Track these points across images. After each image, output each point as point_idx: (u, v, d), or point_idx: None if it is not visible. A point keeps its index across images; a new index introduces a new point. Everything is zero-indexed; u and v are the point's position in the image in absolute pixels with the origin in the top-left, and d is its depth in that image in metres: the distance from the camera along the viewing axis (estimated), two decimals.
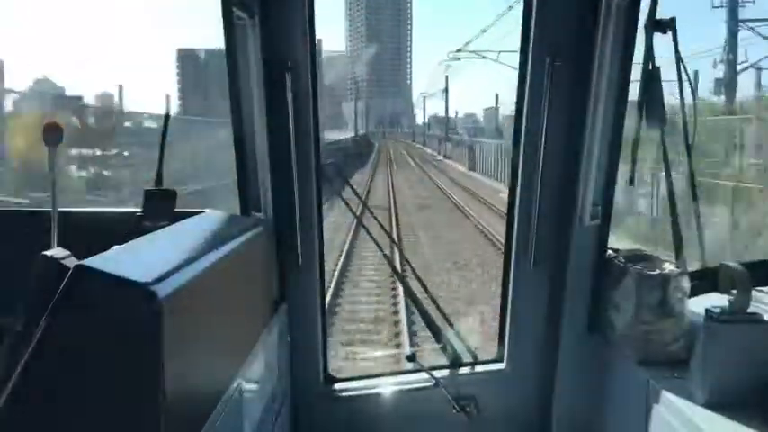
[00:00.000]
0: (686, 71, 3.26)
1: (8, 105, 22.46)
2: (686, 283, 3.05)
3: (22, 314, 1.81)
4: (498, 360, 3.77)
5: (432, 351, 3.87)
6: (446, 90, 76.33)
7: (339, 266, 16.30)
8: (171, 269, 1.76)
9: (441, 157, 65.78)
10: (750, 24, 28.22)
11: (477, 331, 10.42)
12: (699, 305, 2.90)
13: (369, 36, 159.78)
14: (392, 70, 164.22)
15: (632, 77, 3.28)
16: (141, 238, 2.20)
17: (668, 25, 3.16)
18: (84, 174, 22.17)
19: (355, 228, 18.87)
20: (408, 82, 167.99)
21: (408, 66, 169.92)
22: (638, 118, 3.31)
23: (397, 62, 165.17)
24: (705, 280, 3.23)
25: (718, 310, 2.69)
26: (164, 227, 2.58)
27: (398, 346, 12.05)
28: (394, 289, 14.23)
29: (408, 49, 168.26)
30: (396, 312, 13.05)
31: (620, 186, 3.47)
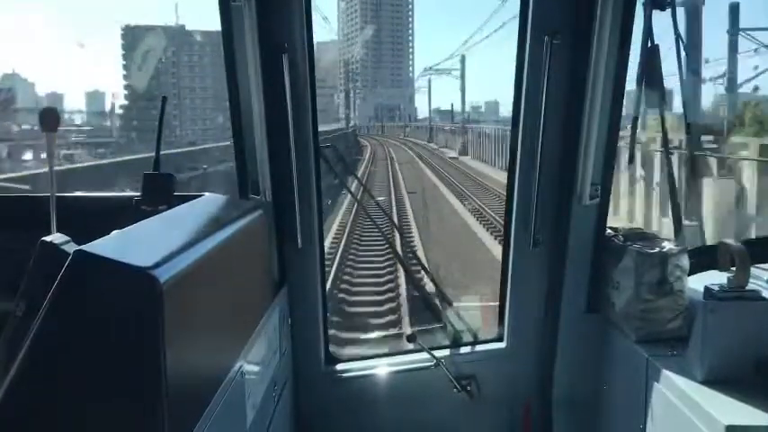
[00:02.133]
0: (686, 49, 3.25)
1: None
2: (685, 261, 3.06)
3: (21, 300, 1.81)
4: (498, 339, 3.78)
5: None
6: None
7: None
8: (171, 253, 1.76)
9: None
10: None
11: None
12: (698, 283, 2.91)
13: (363, 18, 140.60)
14: (393, 56, 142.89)
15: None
16: (141, 222, 2.20)
17: (667, 2, 3.14)
18: None
19: None
20: (410, 68, 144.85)
21: (410, 51, 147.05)
22: (637, 96, 3.30)
23: (398, 47, 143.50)
24: (704, 258, 3.24)
25: (717, 288, 2.70)
26: (163, 211, 2.57)
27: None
28: None
29: (410, 31, 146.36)
30: None
31: None
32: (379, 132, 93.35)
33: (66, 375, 1.55)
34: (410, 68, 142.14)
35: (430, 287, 4.60)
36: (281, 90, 3.22)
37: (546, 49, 3.24)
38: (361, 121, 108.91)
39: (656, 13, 3.20)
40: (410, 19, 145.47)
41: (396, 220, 20.51)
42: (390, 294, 14.11)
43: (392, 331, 11.58)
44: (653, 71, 3.23)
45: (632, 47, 3.22)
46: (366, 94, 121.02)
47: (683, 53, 3.26)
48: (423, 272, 4.81)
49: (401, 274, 14.39)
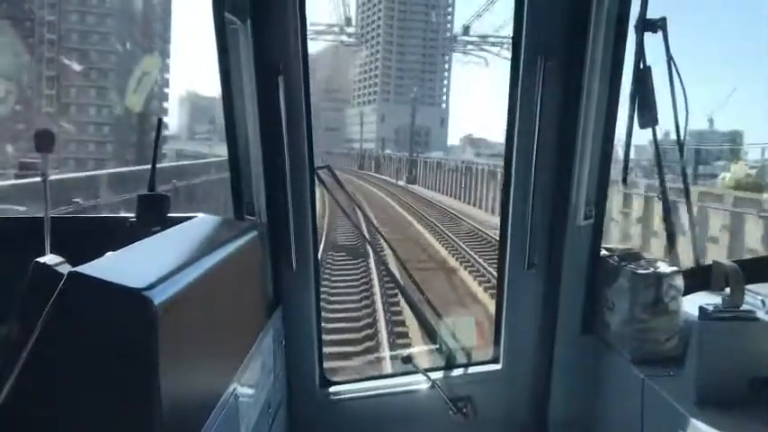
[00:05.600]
0: (677, 70, 3.28)
1: None
2: (680, 282, 3.07)
3: (15, 322, 1.80)
4: (494, 361, 3.77)
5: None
6: None
7: None
8: (166, 275, 1.75)
9: None
10: None
11: None
12: (692, 303, 2.92)
13: (389, 16, 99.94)
14: (424, 64, 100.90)
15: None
16: (135, 243, 2.19)
17: (659, 25, 3.18)
18: None
19: None
20: (445, 80, 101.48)
21: (445, 60, 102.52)
22: (630, 117, 3.32)
23: (431, 51, 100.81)
24: (698, 278, 3.25)
25: (711, 308, 2.71)
26: (157, 232, 2.57)
27: None
28: None
29: (447, 34, 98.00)
30: None
31: None
32: (403, 176, 53.84)
33: (59, 398, 1.54)
34: (444, 81, 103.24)
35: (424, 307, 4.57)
36: (277, 111, 3.24)
37: (539, 70, 3.27)
38: (378, 143, 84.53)
39: (648, 35, 3.24)
40: (449, 17, 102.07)
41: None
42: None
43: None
44: (645, 92, 3.26)
45: (625, 68, 3.25)
46: (385, 112, 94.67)
47: (675, 75, 3.28)
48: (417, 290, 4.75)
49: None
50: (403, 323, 12.96)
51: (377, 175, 61.46)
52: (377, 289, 14.84)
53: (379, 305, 14.06)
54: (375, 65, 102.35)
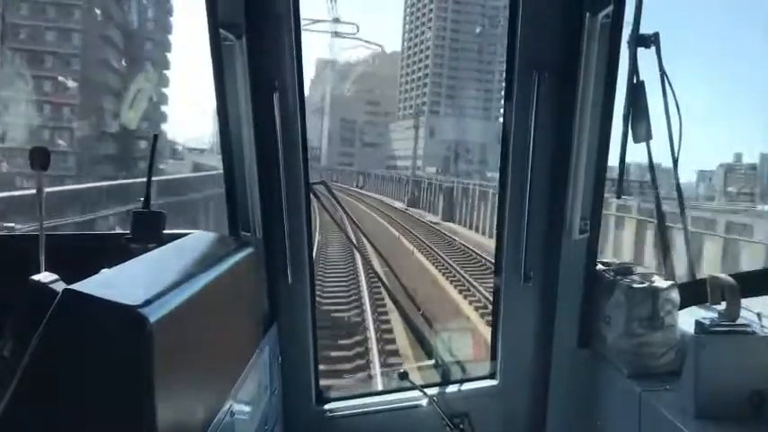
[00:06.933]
0: (670, 85, 3.30)
1: None
2: (676, 295, 3.07)
3: (10, 339, 1.79)
4: (491, 376, 3.76)
5: None
6: None
7: None
8: (161, 292, 1.75)
9: None
10: None
11: None
12: (689, 317, 2.92)
13: (440, 17, 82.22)
14: (478, 70, 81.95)
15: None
16: (130, 260, 2.19)
17: (651, 40, 3.21)
18: None
19: None
20: (501, 94, 38.27)
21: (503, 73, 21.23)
22: (624, 131, 3.34)
23: (488, 63, 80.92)
24: (694, 292, 3.25)
25: (708, 322, 2.71)
26: (153, 249, 2.57)
27: None
28: None
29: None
30: None
31: None
32: None
33: (53, 416, 1.53)
34: (501, 92, 48.68)
35: (420, 323, 4.55)
36: (272, 128, 3.25)
37: (534, 85, 3.29)
38: (427, 161, 67.16)
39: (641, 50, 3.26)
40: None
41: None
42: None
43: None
44: (639, 107, 3.28)
45: (619, 82, 3.28)
46: (434, 125, 76.51)
47: (668, 90, 3.30)
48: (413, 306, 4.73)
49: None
50: None
51: (451, 226, 32.54)
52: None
53: None
54: (424, 72, 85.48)
